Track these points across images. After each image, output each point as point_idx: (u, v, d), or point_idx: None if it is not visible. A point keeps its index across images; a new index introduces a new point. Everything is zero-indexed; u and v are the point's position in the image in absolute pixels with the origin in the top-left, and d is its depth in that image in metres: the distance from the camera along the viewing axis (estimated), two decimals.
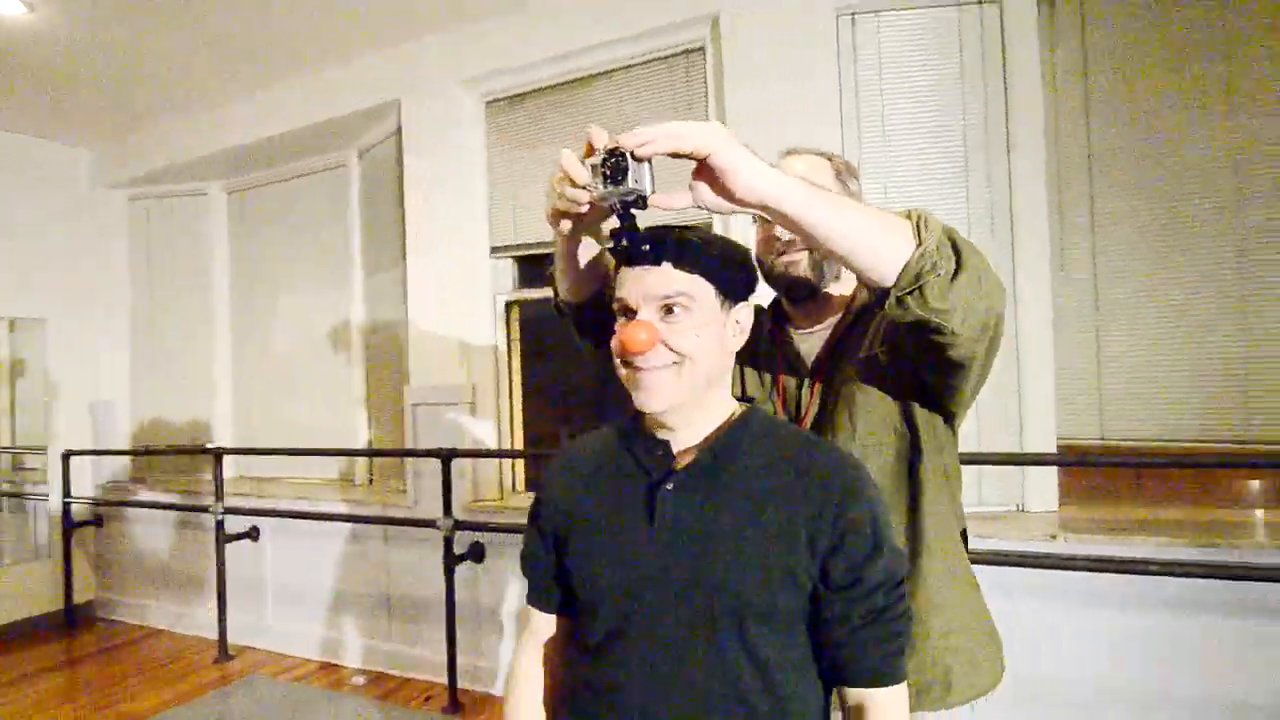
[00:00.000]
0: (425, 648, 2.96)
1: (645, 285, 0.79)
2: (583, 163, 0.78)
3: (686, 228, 0.84)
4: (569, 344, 1.16)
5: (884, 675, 0.77)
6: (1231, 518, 2.03)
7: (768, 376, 1.11)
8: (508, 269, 3.05)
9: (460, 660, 2.69)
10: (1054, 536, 1.95)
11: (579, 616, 0.87)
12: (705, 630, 0.77)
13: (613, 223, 0.80)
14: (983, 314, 0.82)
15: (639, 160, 0.73)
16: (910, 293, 0.78)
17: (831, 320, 1.08)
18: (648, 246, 0.78)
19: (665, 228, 0.81)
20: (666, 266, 0.78)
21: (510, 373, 3.03)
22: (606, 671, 0.81)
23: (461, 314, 2.95)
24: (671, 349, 0.78)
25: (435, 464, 2.69)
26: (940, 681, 0.99)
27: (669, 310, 0.79)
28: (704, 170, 0.76)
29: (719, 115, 2.43)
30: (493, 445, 2.96)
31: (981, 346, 0.88)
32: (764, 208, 0.77)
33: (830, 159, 1.10)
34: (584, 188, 0.77)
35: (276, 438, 3.78)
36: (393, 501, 3.07)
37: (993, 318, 0.85)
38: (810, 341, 1.09)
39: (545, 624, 0.94)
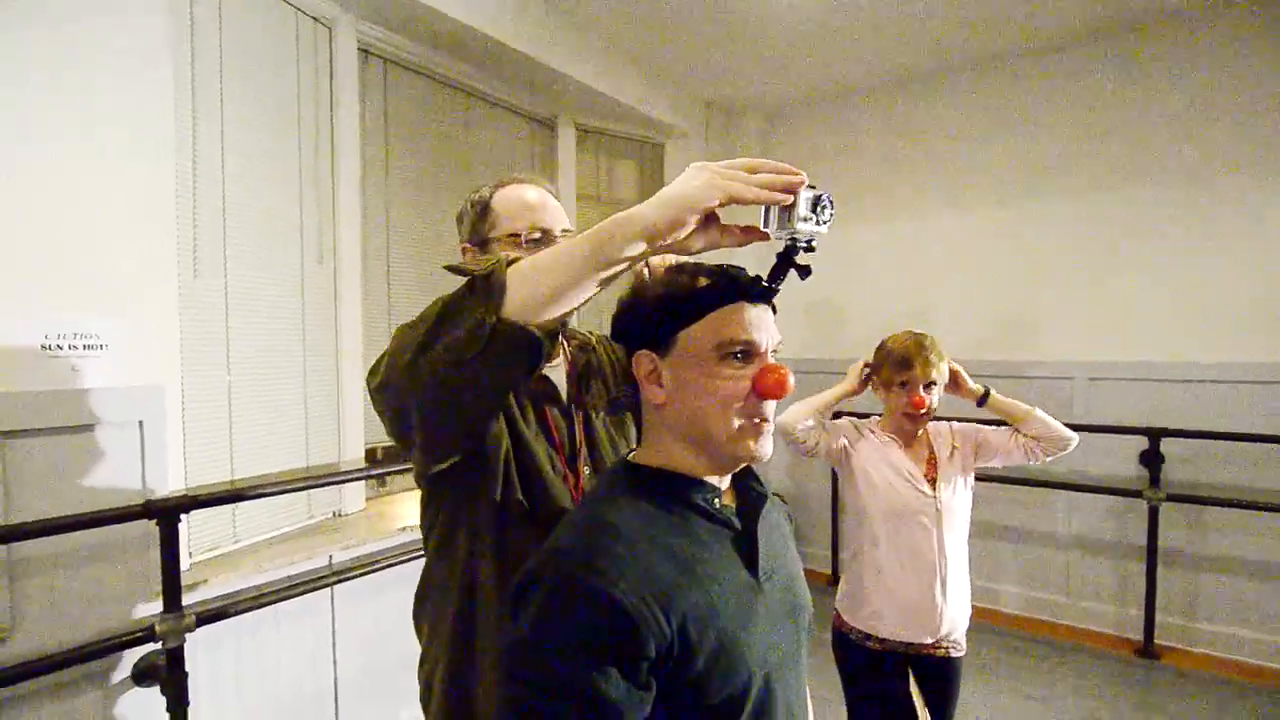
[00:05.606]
0: None
1: (769, 328, 0.78)
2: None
3: None
4: None
5: None
6: None
7: (530, 412, 1.03)
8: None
9: None
10: None
11: None
12: (803, 649, 0.83)
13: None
14: None
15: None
16: None
17: (558, 359, 1.10)
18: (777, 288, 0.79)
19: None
20: (770, 311, 0.80)
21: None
22: None
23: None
24: None
25: (41, 555, 1.38)
26: None
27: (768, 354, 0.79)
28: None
29: None
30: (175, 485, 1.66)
31: None
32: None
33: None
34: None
35: None
36: None
37: None
38: (555, 375, 1.08)
39: None
